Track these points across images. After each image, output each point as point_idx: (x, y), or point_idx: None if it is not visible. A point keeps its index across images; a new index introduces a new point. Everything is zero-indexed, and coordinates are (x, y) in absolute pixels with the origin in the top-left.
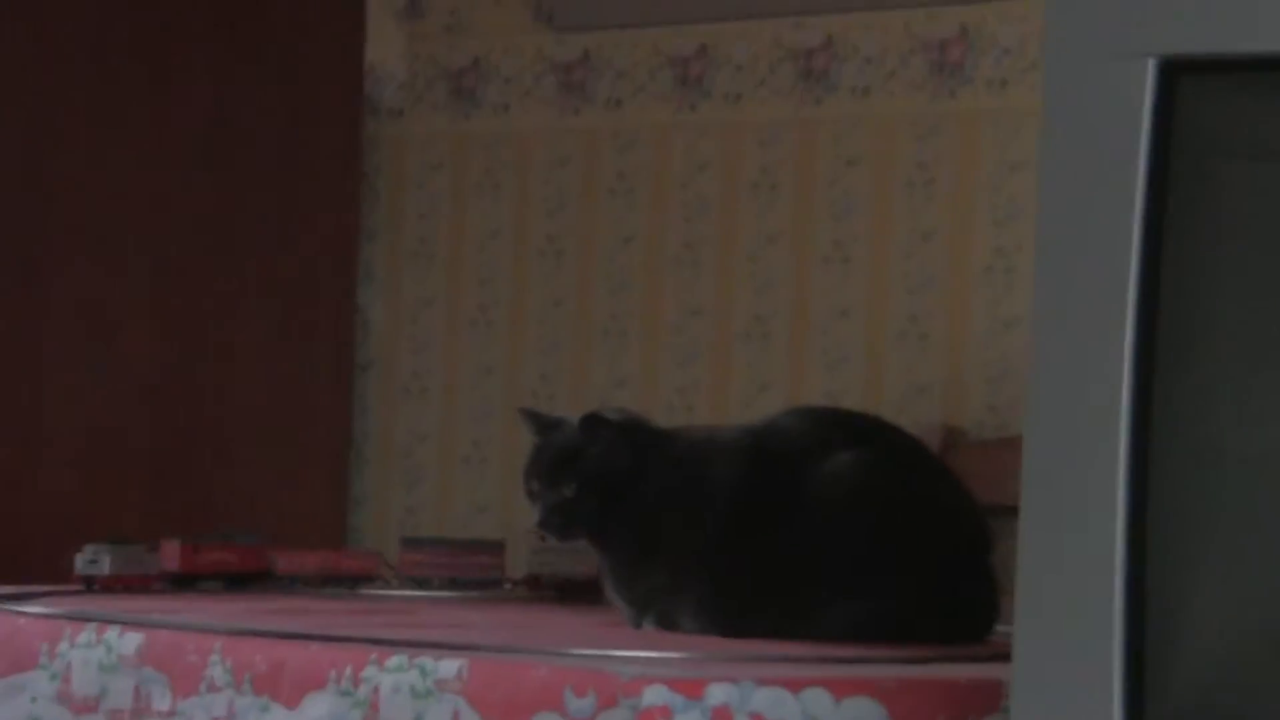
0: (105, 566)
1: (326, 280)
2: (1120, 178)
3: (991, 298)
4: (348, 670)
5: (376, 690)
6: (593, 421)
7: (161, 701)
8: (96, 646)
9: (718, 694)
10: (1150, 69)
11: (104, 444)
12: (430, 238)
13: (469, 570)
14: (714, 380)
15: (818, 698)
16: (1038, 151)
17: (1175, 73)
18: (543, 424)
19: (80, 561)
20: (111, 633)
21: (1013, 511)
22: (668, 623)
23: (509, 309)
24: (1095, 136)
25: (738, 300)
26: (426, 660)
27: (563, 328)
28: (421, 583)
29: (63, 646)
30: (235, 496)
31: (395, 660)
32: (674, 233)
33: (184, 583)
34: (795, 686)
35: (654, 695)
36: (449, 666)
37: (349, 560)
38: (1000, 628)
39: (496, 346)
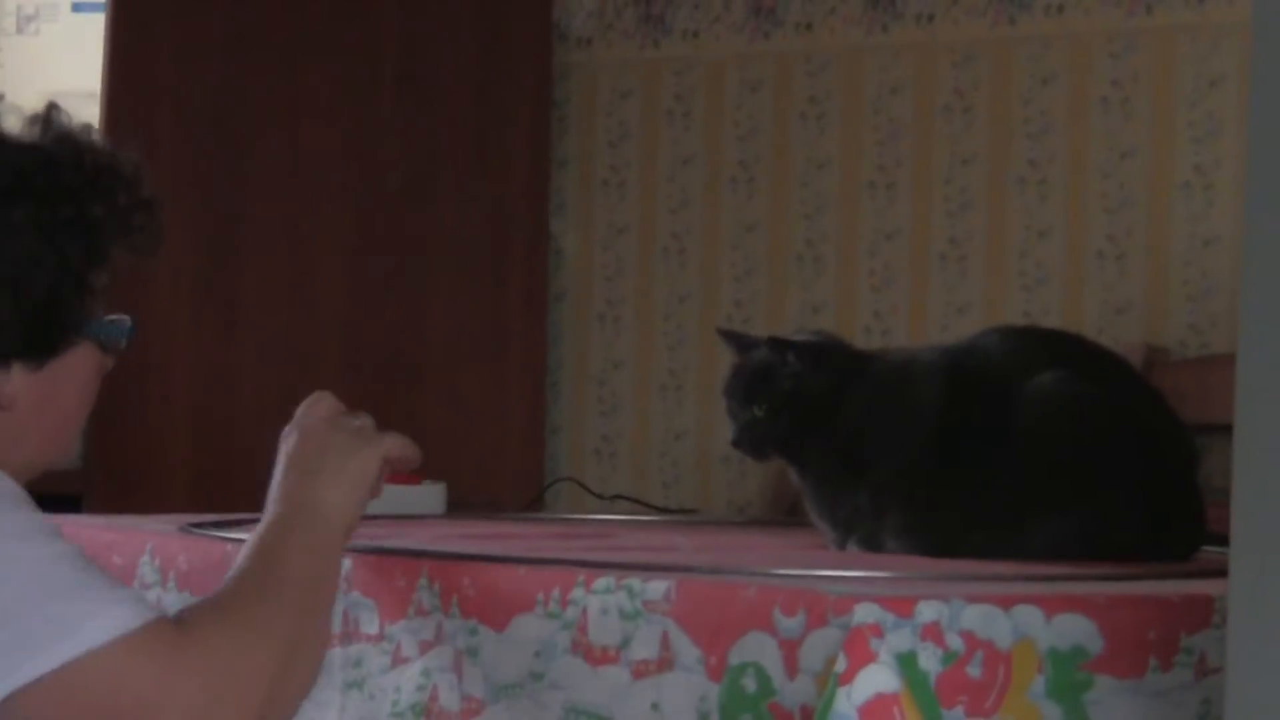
0: None
1: (520, 211)
2: None
3: (1191, 215)
4: (555, 592)
5: (584, 612)
6: (777, 344)
7: (370, 625)
8: None
9: (928, 611)
10: None
11: (300, 379)
12: (622, 166)
13: None
14: (911, 303)
15: (1029, 615)
16: (1251, 64)
17: None
18: (743, 344)
19: None
20: None
21: (1217, 429)
22: (872, 544)
23: (702, 236)
24: None
25: (934, 223)
26: (634, 581)
27: (757, 254)
28: None
29: None
30: (432, 428)
31: (603, 582)
32: (867, 156)
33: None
34: (1006, 604)
35: (864, 613)
36: (657, 588)
37: None
38: (1205, 547)
39: (690, 274)
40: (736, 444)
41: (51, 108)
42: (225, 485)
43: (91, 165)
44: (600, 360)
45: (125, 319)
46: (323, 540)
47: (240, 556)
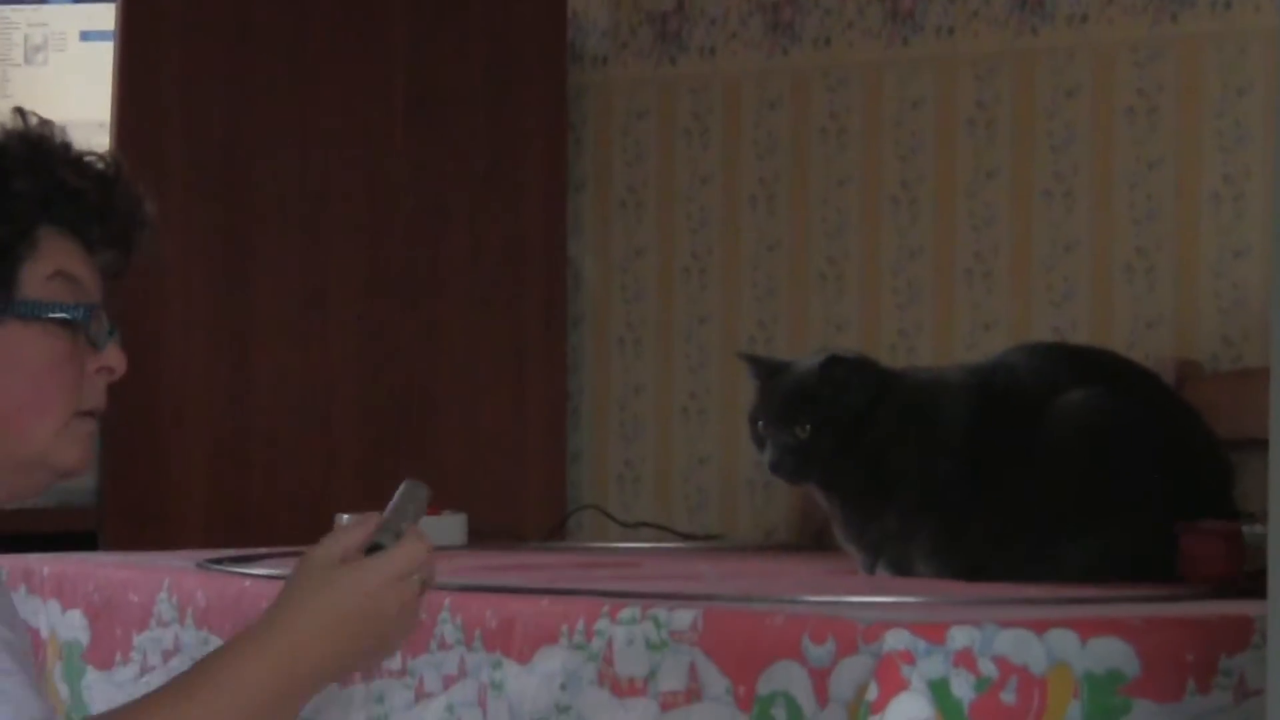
0: None
1: (536, 234)
2: None
3: (1220, 226)
4: (580, 624)
5: (610, 643)
6: (833, 363)
7: (392, 660)
8: None
9: (960, 637)
10: None
11: (313, 410)
12: (639, 186)
13: None
14: (936, 321)
15: (1063, 639)
16: (1278, 70)
17: None
18: (767, 367)
19: None
20: None
21: (1252, 445)
22: (902, 568)
23: (722, 256)
24: None
25: (958, 238)
26: (660, 611)
27: (778, 273)
28: None
29: None
30: (450, 457)
31: (628, 612)
32: (889, 172)
33: None
34: (1040, 628)
35: (895, 640)
36: (683, 617)
37: None
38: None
39: (711, 295)
40: (776, 468)
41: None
42: (241, 520)
43: (19, 140)
44: (621, 385)
45: (91, 304)
46: (288, 681)
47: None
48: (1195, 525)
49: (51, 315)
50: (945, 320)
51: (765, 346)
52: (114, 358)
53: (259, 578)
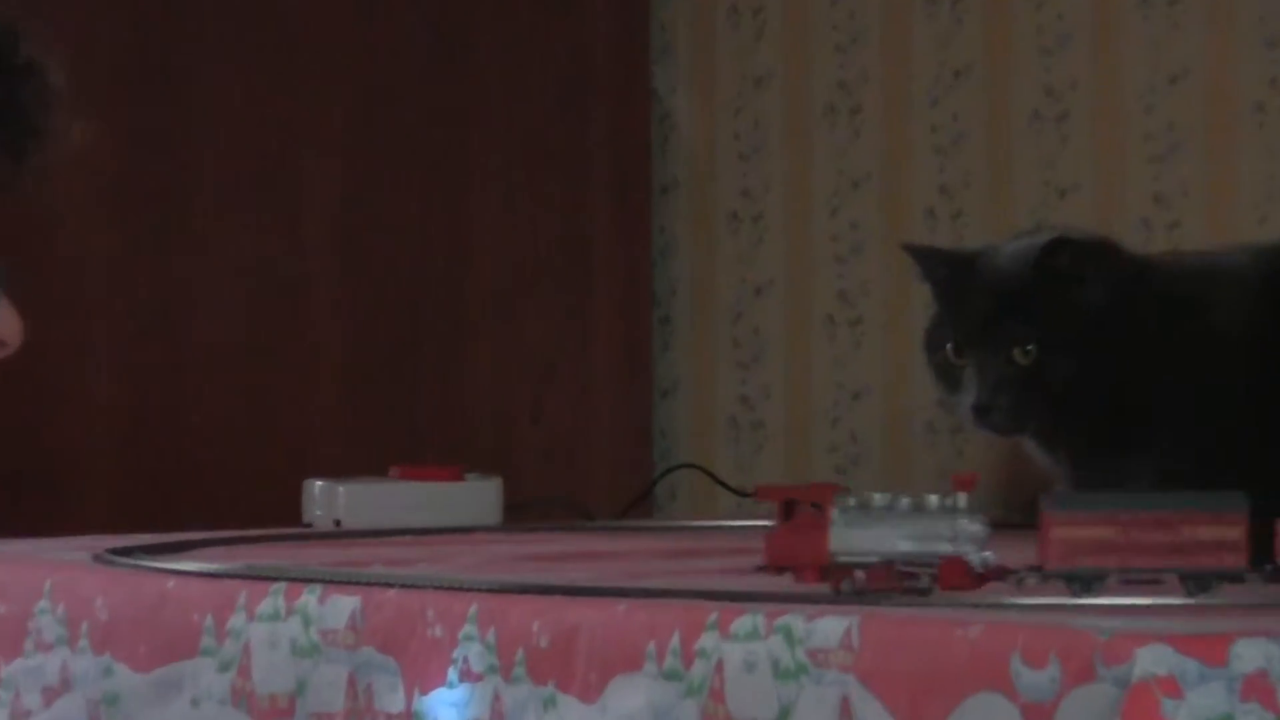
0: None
1: (605, 56)
2: None
3: None
4: (674, 640)
5: (719, 669)
6: (1061, 248)
7: (390, 698)
8: (289, 619)
9: (1250, 655)
10: None
11: (278, 332)
12: None
13: None
14: (1210, 179)
15: None
16: None
17: None
18: (949, 262)
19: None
20: (309, 596)
21: None
22: None
23: (885, 84)
24: None
25: (1243, 60)
26: (795, 620)
27: (969, 108)
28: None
29: (236, 620)
30: (473, 397)
31: (746, 622)
32: None
33: None
34: None
35: (1151, 660)
36: (831, 630)
37: None
38: None
39: (867, 145)
40: (984, 414)
41: None
42: (163, 497)
43: None
44: (734, 282)
45: None
46: None
47: None
48: None
49: None
50: (1224, 175)
51: (950, 228)
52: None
53: (190, 575)
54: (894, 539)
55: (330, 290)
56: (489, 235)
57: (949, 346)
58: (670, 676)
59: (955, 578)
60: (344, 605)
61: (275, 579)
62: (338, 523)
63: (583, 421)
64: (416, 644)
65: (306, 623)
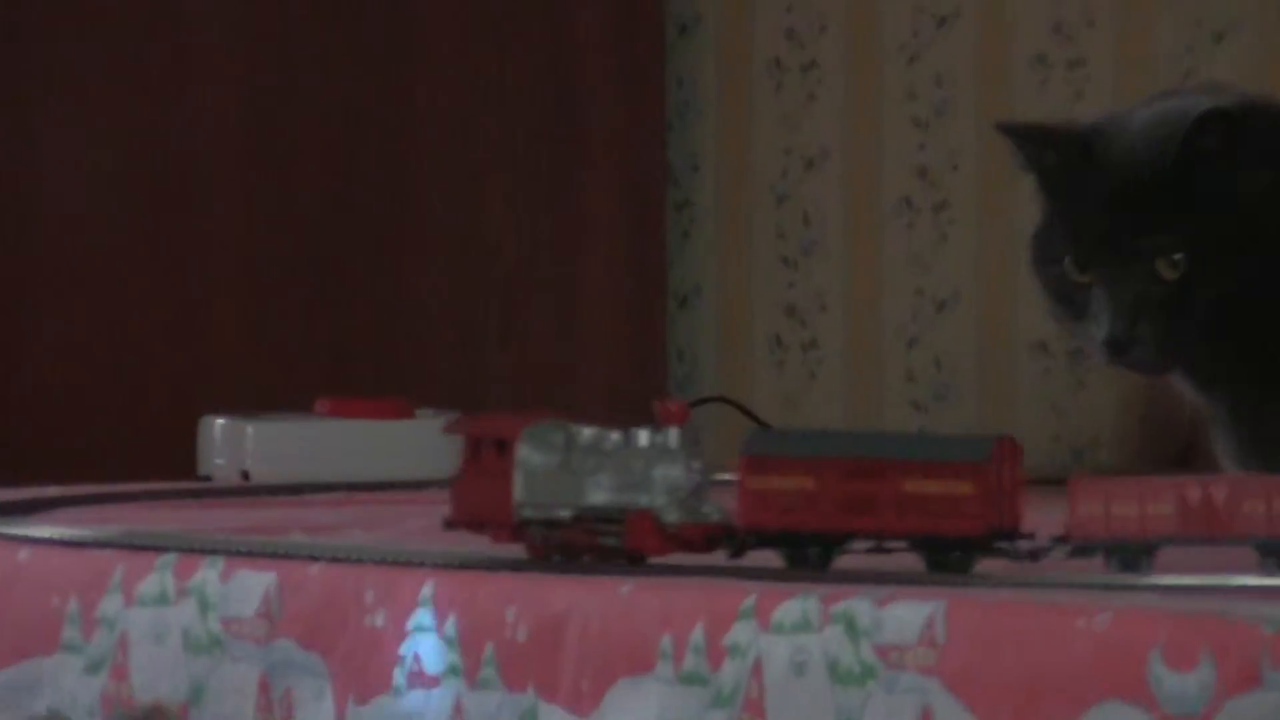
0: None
1: None
2: None
3: None
4: (695, 633)
5: (756, 670)
6: (1216, 121)
7: (314, 708)
8: (180, 603)
9: None
10: None
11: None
12: None
13: None
14: None
15: None
16: None
17: None
18: (1065, 145)
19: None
20: (208, 573)
21: None
22: None
23: None
24: None
25: None
26: (859, 605)
27: None
28: None
29: (109, 605)
30: (434, 309)
31: (792, 607)
32: None
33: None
34: None
35: None
36: (906, 619)
37: None
38: None
39: None
40: (1121, 347)
41: None
42: (10, 443)
43: None
44: (776, 152)
45: None
46: None
47: None
48: None
49: None
50: None
51: (1063, 79)
52: None
53: (48, 544)
54: (586, 488)
55: (230, 166)
56: (443, 89)
57: (1067, 260)
58: (691, 680)
59: (640, 538)
60: (254, 585)
61: (162, 549)
62: (245, 474)
63: (571, 341)
64: (350, 637)
65: (204, 608)
